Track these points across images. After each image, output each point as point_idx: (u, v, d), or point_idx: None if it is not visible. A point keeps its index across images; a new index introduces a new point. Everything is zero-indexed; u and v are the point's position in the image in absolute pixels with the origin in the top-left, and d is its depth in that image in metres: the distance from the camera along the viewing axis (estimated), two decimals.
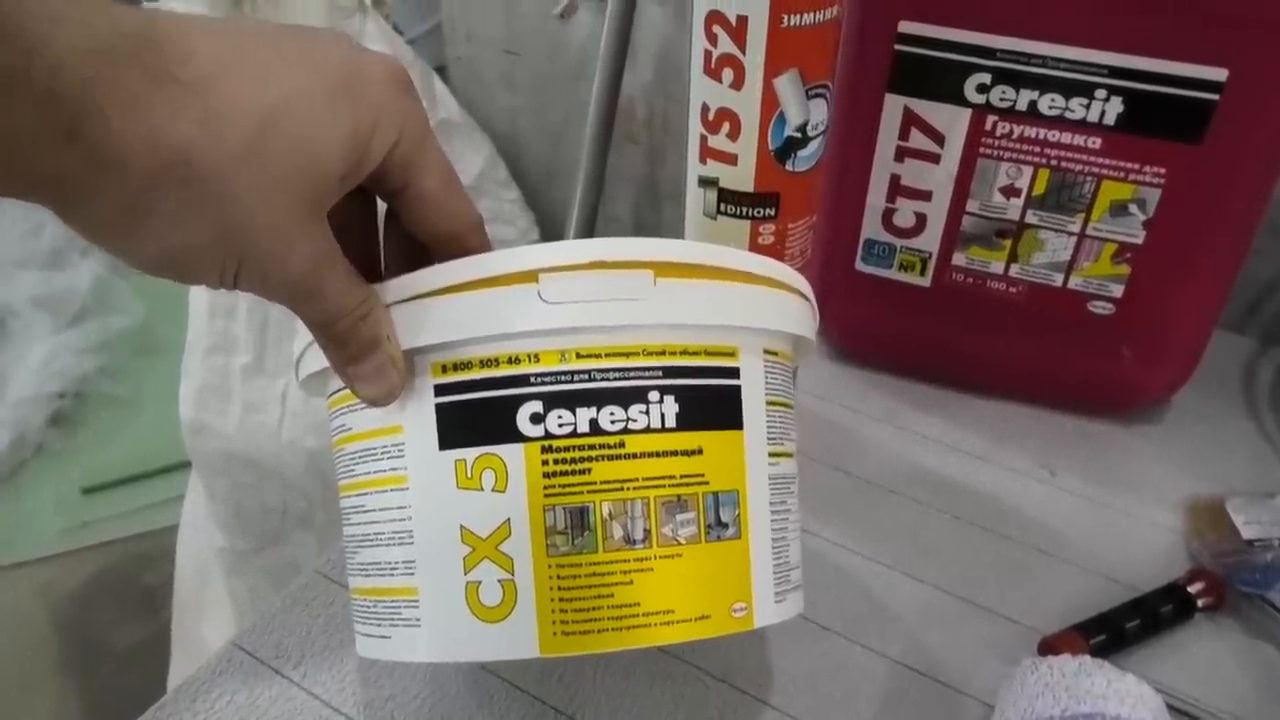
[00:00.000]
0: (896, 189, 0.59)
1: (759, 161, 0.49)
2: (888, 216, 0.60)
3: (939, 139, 0.56)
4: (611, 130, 0.89)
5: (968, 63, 0.53)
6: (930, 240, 0.60)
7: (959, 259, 0.60)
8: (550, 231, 1.08)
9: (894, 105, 0.56)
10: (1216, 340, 0.67)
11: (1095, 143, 0.53)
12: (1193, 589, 0.52)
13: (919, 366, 0.67)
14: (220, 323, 0.91)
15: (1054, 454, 0.62)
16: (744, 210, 0.51)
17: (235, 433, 0.93)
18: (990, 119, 0.55)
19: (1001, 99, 0.54)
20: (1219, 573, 0.53)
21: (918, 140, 0.57)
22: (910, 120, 0.56)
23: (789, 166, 0.49)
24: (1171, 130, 0.52)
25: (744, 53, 0.46)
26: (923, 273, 0.61)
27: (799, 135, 0.49)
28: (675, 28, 0.90)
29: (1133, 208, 0.55)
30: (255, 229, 0.29)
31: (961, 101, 0.55)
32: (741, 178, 0.50)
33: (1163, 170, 0.53)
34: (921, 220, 0.59)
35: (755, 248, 0.52)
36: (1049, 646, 0.49)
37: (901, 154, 0.58)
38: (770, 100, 0.47)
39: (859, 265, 0.63)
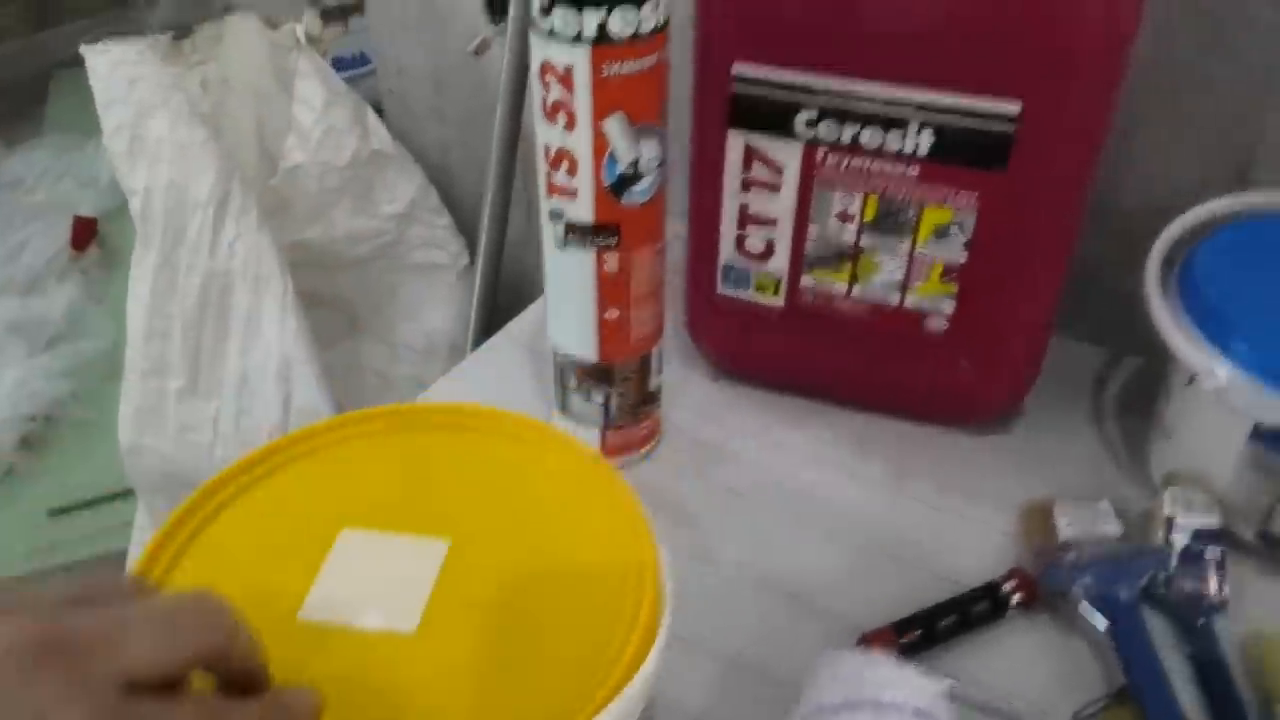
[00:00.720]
0: (746, 217, 0.64)
1: (596, 196, 0.54)
2: (740, 242, 0.65)
3: (778, 170, 0.61)
4: (515, 155, 0.94)
5: (796, 101, 0.58)
6: (780, 264, 0.65)
7: (807, 281, 0.65)
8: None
9: (735, 140, 0.61)
10: (1072, 351, 0.72)
11: (914, 171, 0.58)
12: (1007, 587, 0.56)
13: (786, 381, 0.71)
14: (156, 346, 0.96)
15: (906, 463, 0.67)
16: (587, 240, 0.56)
17: (172, 453, 0.98)
18: (821, 151, 0.59)
19: (828, 133, 0.58)
20: (1034, 572, 0.57)
21: (759, 172, 0.61)
22: (750, 154, 0.61)
23: (625, 200, 0.54)
24: (978, 160, 0.56)
25: (573, 99, 0.51)
26: (777, 294, 0.66)
27: (631, 172, 0.53)
28: None
29: (953, 230, 0.59)
30: None
31: (793, 136, 0.59)
32: (582, 211, 0.55)
33: (975, 195, 0.58)
34: (770, 246, 0.64)
35: (601, 275, 0.57)
36: (864, 642, 0.53)
37: (747, 184, 0.62)
38: (600, 141, 0.52)
39: (720, 289, 0.67)
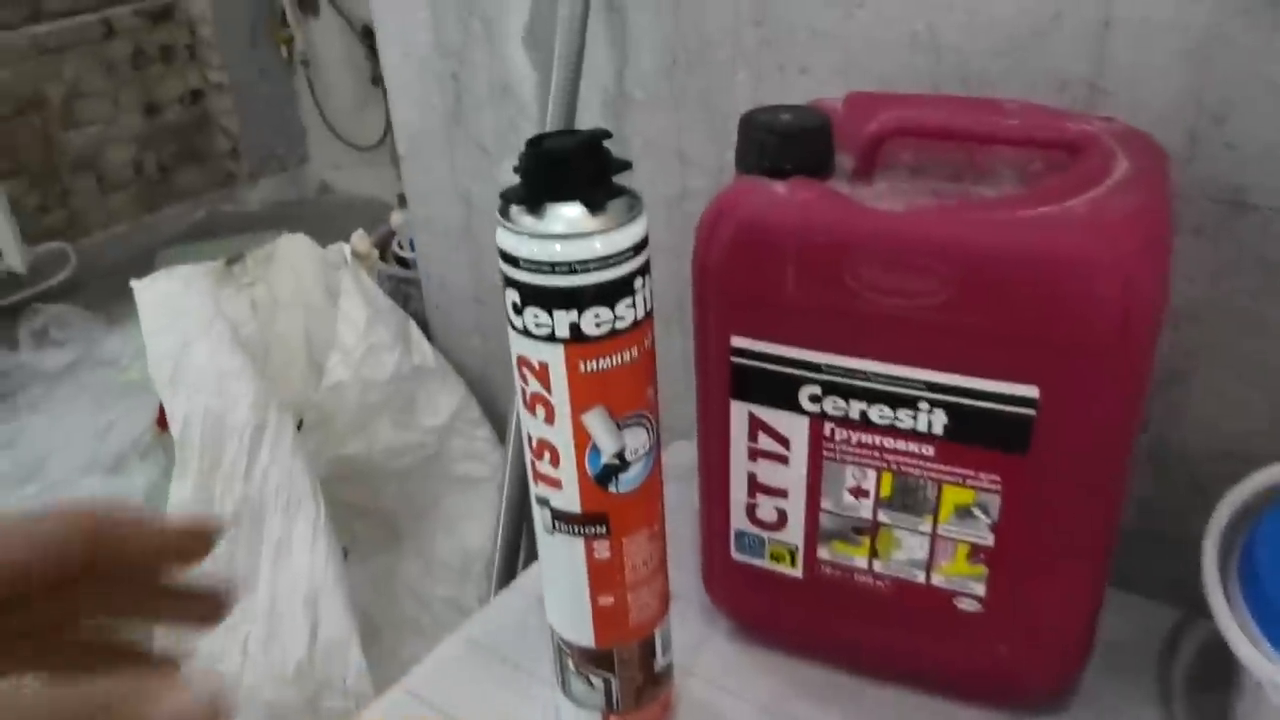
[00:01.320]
0: (755, 486, 0.60)
1: (581, 486, 0.51)
2: (751, 511, 0.61)
3: (784, 442, 0.57)
4: None
5: (798, 375, 0.55)
6: (794, 534, 0.60)
7: (824, 553, 0.60)
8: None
9: (739, 410, 0.58)
10: (1139, 611, 0.65)
11: (929, 450, 0.54)
12: None
13: (810, 649, 0.66)
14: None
15: None
16: (575, 529, 0.53)
17: None
18: (828, 425, 0.56)
19: (835, 408, 0.55)
20: None
21: (766, 443, 0.58)
22: (756, 425, 0.58)
23: (613, 489, 0.51)
24: (997, 441, 0.52)
25: (550, 393, 0.49)
26: (793, 564, 0.61)
27: (617, 462, 0.51)
28: None
29: (976, 511, 0.55)
30: None
31: (799, 410, 0.56)
32: (568, 500, 0.52)
33: (997, 477, 0.53)
34: (783, 516, 0.60)
35: (591, 563, 0.53)
36: None
37: (754, 454, 0.59)
38: (582, 434, 0.50)
39: (734, 554, 0.63)
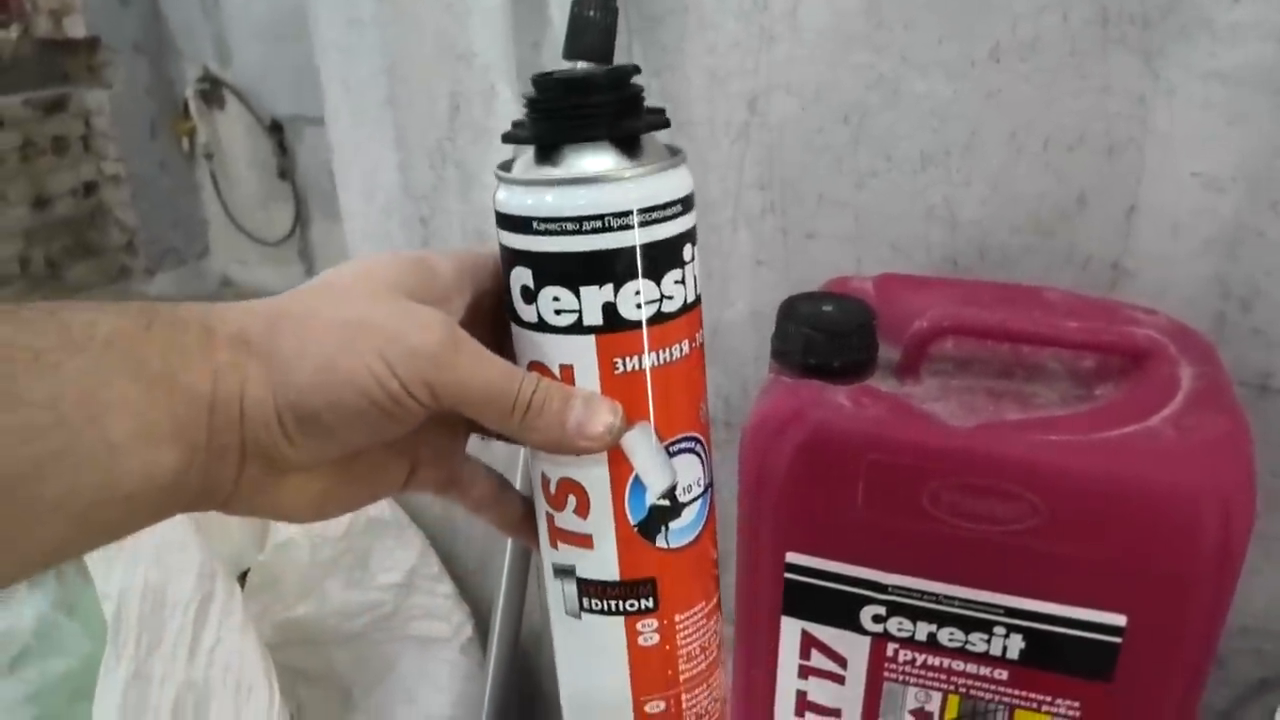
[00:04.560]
0: (804, 704, 0.55)
1: (620, 541, 0.37)
2: None
3: (842, 662, 0.53)
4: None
5: (861, 595, 0.51)
6: None
7: None
8: (482, 622, 1.04)
9: (791, 627, 0.54)
10: None
11: (1002, 674, 0.51)
12: None
13: None
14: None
15: None
16: (612, 604, 0.38)
17: None
18: (891, 646, 0.52)
19: (900, 629, 0.51)
20: None
21: (820, 661, 0.54)
22: (809, 642, 0.54)
23: (662, 543, 0.38)
24: (1078, 668, 0.49)
25: None
26: None
27: (668, 504, 0.37)
28: None
29: None
30: (377, 321, 0.31)
31: (859, 630, 0.52)
32: (602, 563, 0.38)
33: (1076, 704, 0.50)
34: None
35: (635, 652, 0.39)
36: None
37: (805, 672, 0.54)
38: (620, 466, 0.36)
39: None
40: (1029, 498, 0.46)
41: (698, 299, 0.37)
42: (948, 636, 0.51)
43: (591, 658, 0.40)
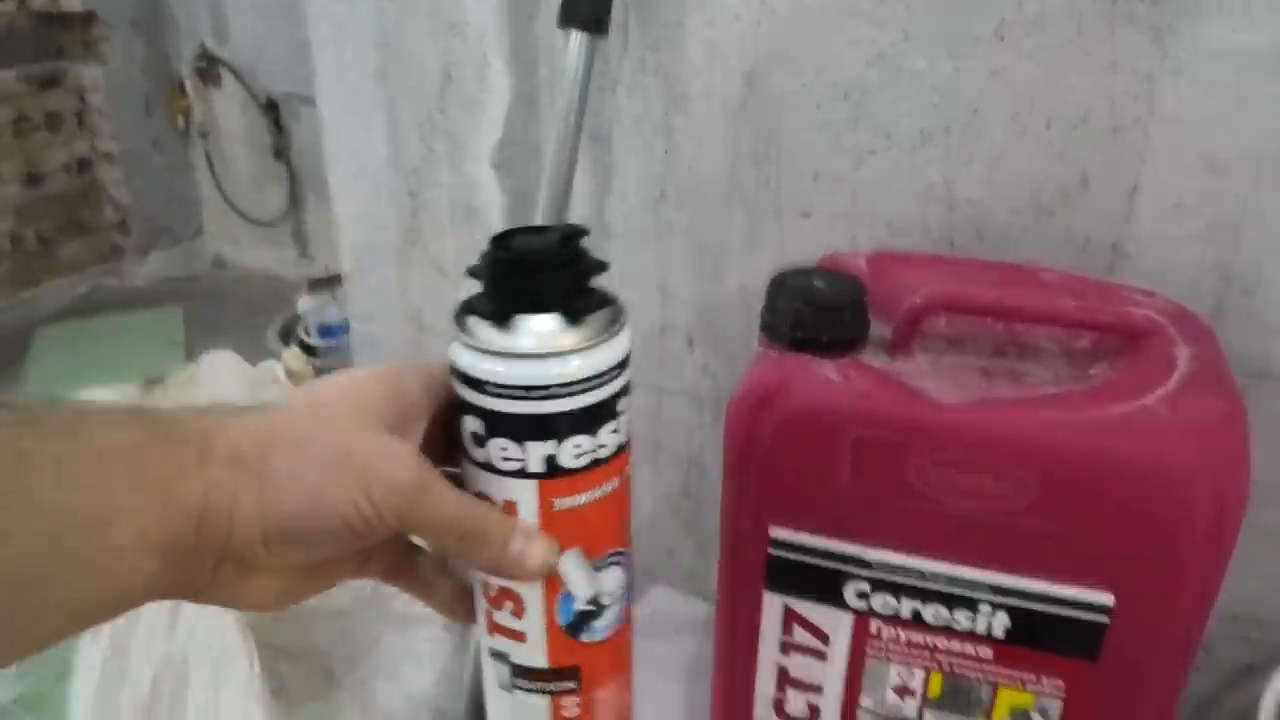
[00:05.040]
0: (785, 680, 0.55)
1: (549, 638, 0.43)
2: (779, 705, 0.56)
3: (824, 637, 0.53)
4: None
5: (845, 571, 0.50)
6: None
7: None
8: None
9: (773, 602, 0.53)
10: None
11: (987, 652, 0.50)
12: None
13: None
14: None
15: None
16: (540, 685, 0.45)
17: None
18: (874, 623, 0.51)
19: (884, 606, 0.50)
20: None
21: (802, 637, 0.53)
22: (792, 618, 0.53)
23: (586, 638, 0.44)
24: (1064, 647, 0.48)
25: None
26: None
27: (592, 608, 0.44)
28: None
29: (1035, 715, 0.51)
30: (361, 456, 0.35)
31: (842, 605, 0.51)
32: (533, 654, 0.44)
33: (1061, 683, 0.49)
34: (815, 711, 0.55)
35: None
36: None
37: (787, 648, 0.54)
38: (553, 581, 0.42)
39: None
40: (1019, 475, 0.45)
41: (628, 440, 0.42)
42: (932, 613, 0.50)
43: None
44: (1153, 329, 0.51)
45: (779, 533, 0.51)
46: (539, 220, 0.73)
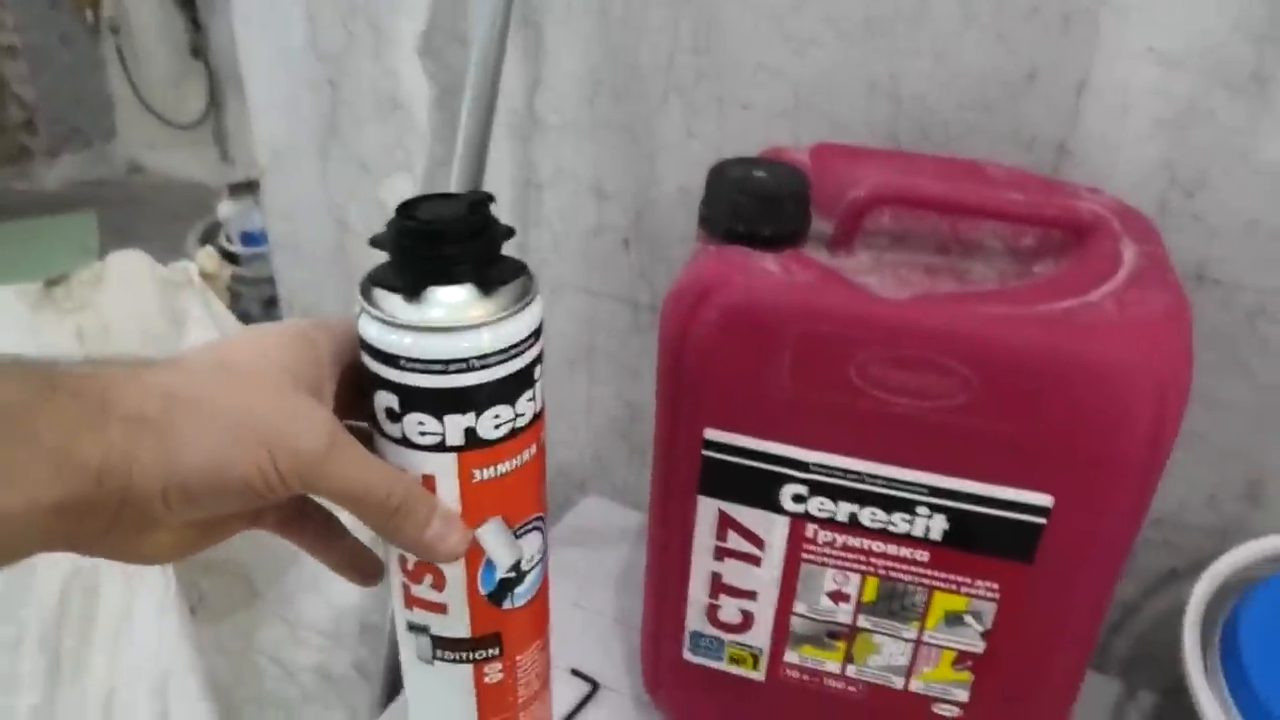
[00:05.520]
0: (719, 586, 0.53)
1: (472, 608, 0.44)
2: (712, 612, 0.54)
3: (758, 543, 0.51)
4: None
5: (782, 473, 0.49)
6: (760, 637, 0.54)
7: (792, 657, 0.54)
8: None
9: (707, 507, 0.51)
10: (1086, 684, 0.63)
11: (923, 556, 0.49)
12: None
13: None
14: (5, 658, 0.80)
15: None
16: (463, 655, 0.45)
17: None
18: (811, 527, 0.50)
19: (820, 509, 0.49)
20: None
21: (736, 542, 0.52)
22: (726, 523, 0.51)
23: (508, 604, 0.44)
24: (1000, 549, 0.47)
25: None
26: (755, 667, 0.56)
27: (513, 575, 0.44)
28: None
29: (968, 619, 0.50)
30: (266, 417, 0.34)
31: (778, 509, 0.50)
32: (455, 625, 0.44)
33: (996, 586, 0.49)
34: (748, 617, 0.54)
35: (482, 689, 0.46)
36: None
37: (721, 553, 0.52)
38: (474, 551, 0.42)
39: (687, 655, 0.57)
40: (960, 371, 0.43)
41: (543, 407, 0.42)
42: (869, 517, 0.49)
43: (443, 694, 0.47)
44: (1098, 225, 0.49)
45: (714, 434, 0.49)
46: (464, 112, 0.69)
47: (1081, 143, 0.60)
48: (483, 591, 0.43)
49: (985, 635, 0.50)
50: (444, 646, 0.45)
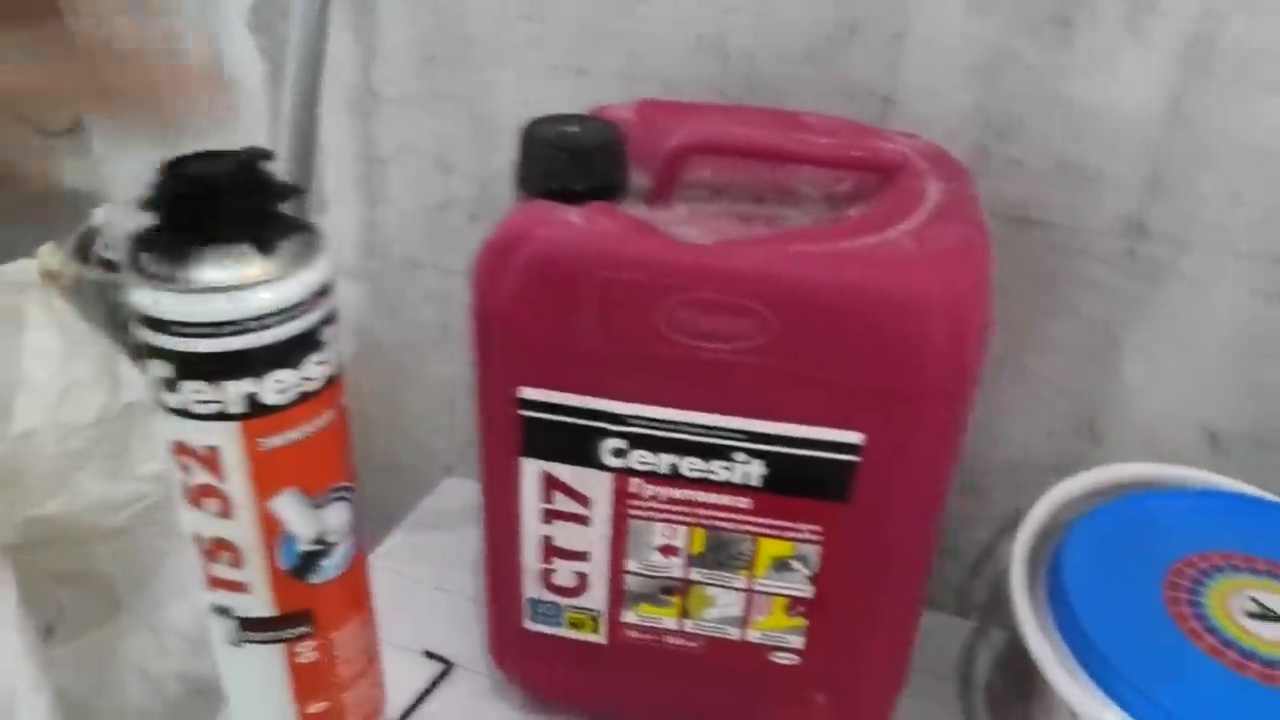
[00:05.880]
0: (550, 550, 0.53)
1: (274, 584, 0.42)
2: (547, 576, 0.54)
3: (584, 502, 0.50)
4: None
5: (599, 428, 0.48)
6: (596, 599, 0.54)
7: (630, 616, 0.54)
8: None
9: (531, 469, 0.50)
10: (932, 624, 0.64)
11: (745, 503, 0.49)
12: None
13: (615, 716, 0.60)
14: None
15: None
16: (271, 635, 0.44)
17: None
18: (634, 481, 0.49)
19: (642, 463, 0.49)
20: None
21: (562, 503, 0.51)
22: (551, 484, 0.50)
23: (315, 579, 0.43)
24: (818, 490, 0.48)
25: (223, 482, 0.39)
26: (595, 630, 0.55)
27: (318, 548, 0.43)
28: (370, 304, 0.84)
29: (795, 564, 0.50)
30: None
31: (600, 466, 0.49)
32: (258, 604, 0.43)
33: (818, 528, 0.49)
34: (583, 580, 0.53)
35: (296, 670, 0.45)
36: None
37: (549, 516, 0.51)
38: (271, 525, 0.41)
39: (527, 623, 0.56)
40: (759, 311, 0.43)
41: (340, 370, 0.40)
42: (689, 467, 0.48)
43: (255, 678, 0.45)
44: (905, 166, 0.49)
45: (529, 393, 0.48)
46: (288, 86, 0.67)
47: (904, 92, 0.61)
48: (284, 567, 0.42)
49: (813, 579, 0.50)
50: (250, 628, 0.43)
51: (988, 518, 0.71)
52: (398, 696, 0.61)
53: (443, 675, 0.64)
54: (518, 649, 0.58)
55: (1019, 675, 0.59)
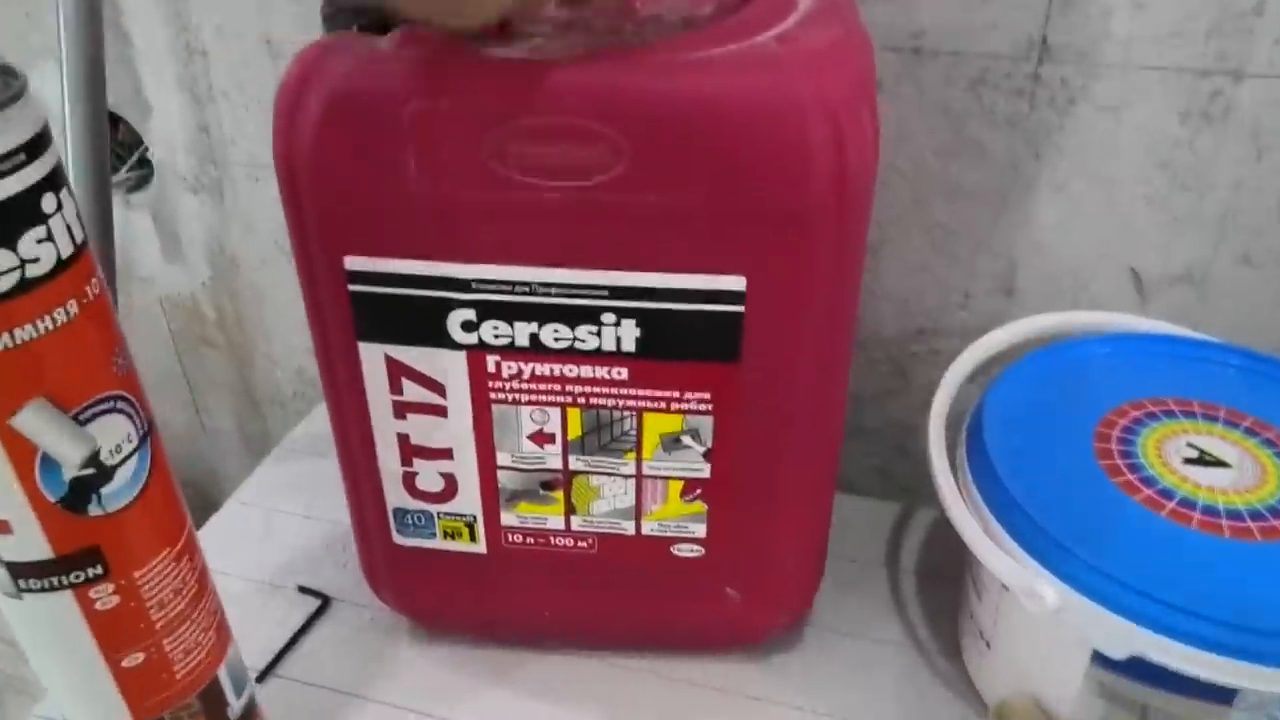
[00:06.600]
0: (409, 449, 0.46)
1: (43, 520, 0.34)
2: (409, 481, 0.47)
3: (439, 389, 0.44)
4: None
5: (442, 298, 0.41)
6: (469, 503, 0.47)
7: (509, 519, 0.48)
8: None
9: (372, 355, 0.43)
10: (853, 508, 0.59)
11: (621, 373, 0.42)
12: None
13: (508, 635, 0.54)
14: None
15: (674, 711, 0.51)
16: (53, 581, 0.36)
17: None
18: (491, 359, 0.43)
19: (496, 336, 0.42)
20: None
21: (414, 393, 0.44)
22: (397, 370, 0.43)
23: (96, 510, 0.35)
24: (701, 350, 0.41)
25: None
26: (473, 538, 0.49)
27: (93, 471, 0.35)
28: (218, 217, 0.75)
29: (686, 439, 0.44)
30: None
31: (450, 344, 0.42)
32: (29, 545, 0.35)
33: (707, 395, 0.43)
34: (451, 481, 0.47)
35: (94, 618, 0.37)
36: None
37: (401, 409, 0.45)
38: (20, 446, 0.33)
39: (396, 539, 0.49)
40: (608, 134, 0.36)
41: (80, 248, 0.33)
42: (552, 336, 0.42)
43: (48, 632, 0.38)
44: None
45: (355, 263, 0.41)
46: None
47: None
48: (52, 498, 0.34)
49: (708, 456, 0.44)
50: (25, 574, 0.36)
51: (905, 392, 0.66)
52: (272, 639, 0.55)
53: (319, 612, 0.57)
54: (390, 569, 0.51)
55: (949, 555, 0.54)
